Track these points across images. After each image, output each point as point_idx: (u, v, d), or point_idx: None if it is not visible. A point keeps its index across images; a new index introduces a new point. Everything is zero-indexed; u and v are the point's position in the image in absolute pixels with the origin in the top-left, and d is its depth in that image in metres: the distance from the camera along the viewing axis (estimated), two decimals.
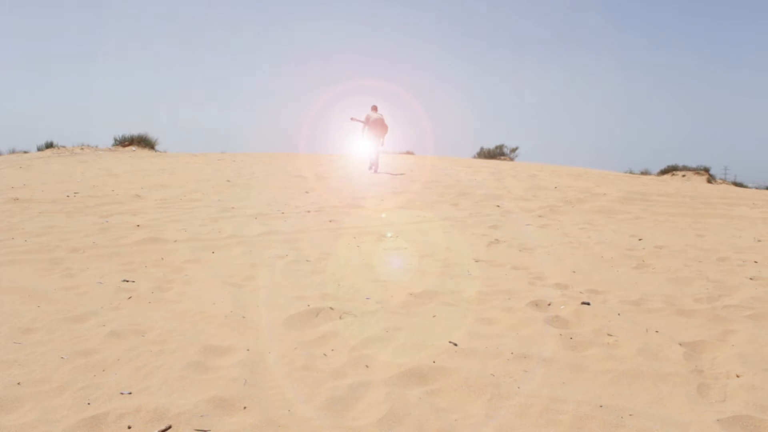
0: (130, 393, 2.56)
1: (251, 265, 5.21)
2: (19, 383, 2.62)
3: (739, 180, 21.94)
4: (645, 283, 4.79)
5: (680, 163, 20.90)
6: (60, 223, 7.07)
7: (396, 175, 14.54)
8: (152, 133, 22.20)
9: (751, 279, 4.99)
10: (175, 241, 6.16)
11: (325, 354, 3.10)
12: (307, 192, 11.00)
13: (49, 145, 19.66)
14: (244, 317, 3.67)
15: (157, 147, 21.91)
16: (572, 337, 3.39)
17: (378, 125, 14.52)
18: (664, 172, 20.77)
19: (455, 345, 3.23)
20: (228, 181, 12.41)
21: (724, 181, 21.04)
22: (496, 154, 25.82)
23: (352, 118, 14.87)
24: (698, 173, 19.93)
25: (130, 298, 4.04)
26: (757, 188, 18.80)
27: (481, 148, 26.67)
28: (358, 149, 15.56)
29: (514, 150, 25.91)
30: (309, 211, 8.67)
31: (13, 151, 19.41)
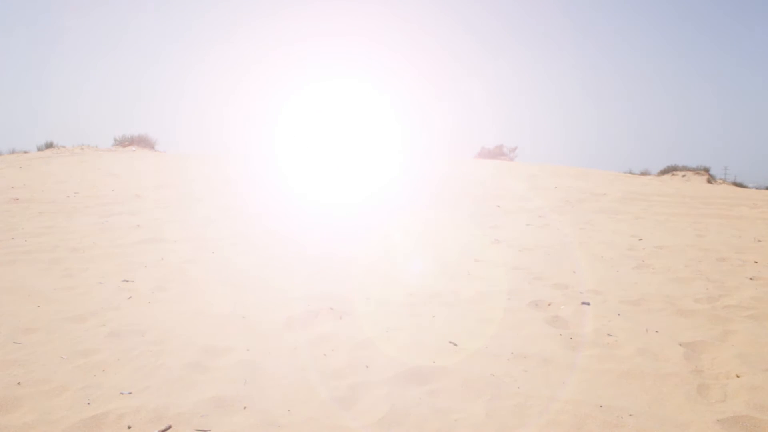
0: (130, 393, 2.56)
1: (251, 264, 5.21)
2: (19, 383, 2.62)
3: (739, 180, 21.87)
4: (645, 283, 4.79)
5: (680, 163, 20.86)
6: (60, 223, 7.07)
7: (395, 175, 14.54)
8: (152, 133, 22.23)
9: (751, 279, 4.99)
10: (175, 241, 6.16)
11: (325, 354, 3.09)
12: (307, 192, 11.00)
13: (49, 145, 19.64)
14: (244, 317, 3.67)
15: (157, 147, 21.90)
16: (572, 337, 3.39)
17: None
18: (664, 172, 20.74)
19: (455, 345, 3.23)
20: (228, 180, 12.41)
21: (724, 181, 21.00)
22: (496, 154, 25.82)
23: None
24: (698, 173, 19.90)
25: (130, 298, 4.04)
26: (757, 188, 18.75)
27: (482, 148, 26.68)
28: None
29: (513, 150, 25.91)
30: (309, 211, 8.67)
31: (13, 151, 19.38)
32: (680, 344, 3.28)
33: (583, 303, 4.10)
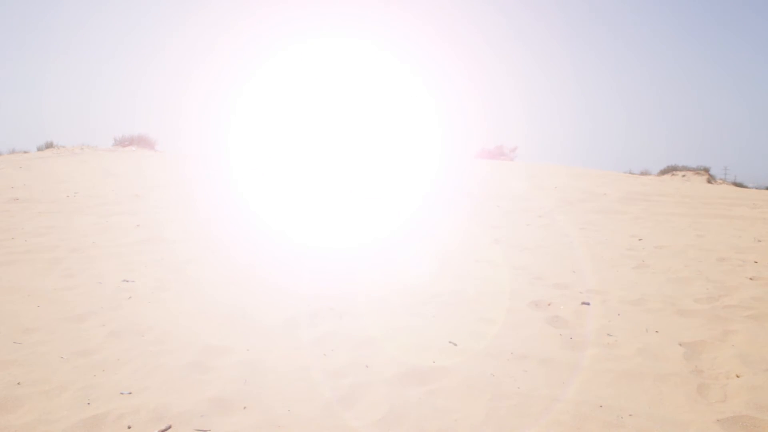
0: (130, 393, 2.56)
1: (251, 264, 5.21)
2: (19, 383, 2.62)
3: (739, 180, 21.85)
4: (645, 283, 4.79)
5: (680, 163, 20.86)
6: (60, 223, 7.07)
7: (390, 173, 14.54)
8: (152, 133, 22.22)
9: (751, 279, 4.99)
10: (175, 241, 6.16)
11: (325, 354, 3.09)
12: (308, 191, 11.00)
13: (49, 145, 19.64)
14: (244, 317, 3.67)
15: (156, 147, 21.91)
16: (572, 337, 3.39)
17: None
18: (664, 172, 20.73)
19: (455, 345, 3.23)
20: (229, 180, 12.42)
21: (724, 181, 20.99)
22: (496, 154, 25.83)
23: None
24: (698, 173, 19.89)
25: (130, 298, 4.04)
26: (757, 188, 18.75)
27: (482, 149, 26.68)
28: None
29: (513, 150, 25.92)
30: (310, 211, 8.67)
31: (13, 151, 19.37)
32: (680, 344, 3.28)
33: (583, 303, 4.10)
